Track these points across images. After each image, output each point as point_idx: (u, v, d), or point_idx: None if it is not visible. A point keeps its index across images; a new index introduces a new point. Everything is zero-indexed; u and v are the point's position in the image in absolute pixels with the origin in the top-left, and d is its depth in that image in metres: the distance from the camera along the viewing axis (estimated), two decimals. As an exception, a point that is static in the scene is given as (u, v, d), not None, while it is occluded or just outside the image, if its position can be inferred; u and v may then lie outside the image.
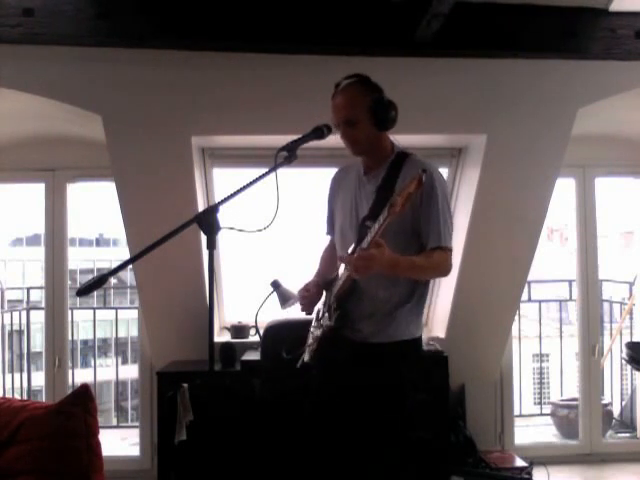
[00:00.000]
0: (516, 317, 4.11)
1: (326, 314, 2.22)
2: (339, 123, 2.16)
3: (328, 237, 2.47)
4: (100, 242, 19.77)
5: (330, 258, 2.41)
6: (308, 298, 2.30)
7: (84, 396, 2.16)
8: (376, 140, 2.20)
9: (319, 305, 2.30)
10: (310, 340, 2.28)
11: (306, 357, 2.27)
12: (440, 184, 2.14)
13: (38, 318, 4.34)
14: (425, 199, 2.09)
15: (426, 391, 3.37)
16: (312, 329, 2.29)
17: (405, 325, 2.17)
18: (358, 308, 2.17)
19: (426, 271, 2.14)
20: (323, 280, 2.32)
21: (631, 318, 4.82)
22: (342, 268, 2.16)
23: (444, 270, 2.16)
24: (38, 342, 5.48)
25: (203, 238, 1.76)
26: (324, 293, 2.29)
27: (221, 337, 3.84)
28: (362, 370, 2.15)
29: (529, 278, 3.99)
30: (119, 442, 4.50)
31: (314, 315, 2.32)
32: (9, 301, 5.70)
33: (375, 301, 2.16)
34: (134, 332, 5.33)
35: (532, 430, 4.62)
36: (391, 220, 1.86)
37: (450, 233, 2.14)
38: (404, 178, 2.09)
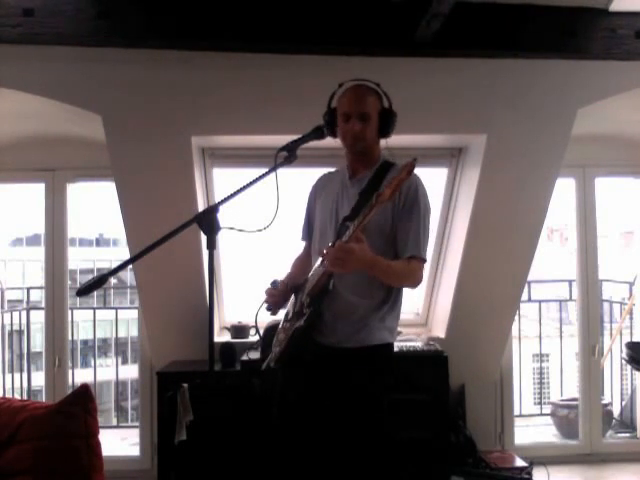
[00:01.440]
0: (516, 317, 4.10)
1: (296, 315, 2.20)
2: (352, 114, 2.16)
3: (304, 243, 2.47)
4: (100, 242, 19.78)
5: (301, 265, 2.42)
6: (275, 297, 2.27)
7: (84, 396, 2.16)
8: (374, 144, 2.23)
9: (287, 307, 2.29)
10: (276, 341, 2.27)
11: (272, 359, 2.25)
12: (424, 197, 2.17)
13: (38, 318, 4.34)
14: (407, 208, 2.12)
15: (426, 391, 3.38)
16: (279, 331, 2.28)
17: (377, 330, 2.16)
18: (330, 310, 2.15)
19: (399, 277, 2.13)
20: (292, 284, 2.30)
21: (631, 318, 4.81)
22: (315, 266, 2.15)
23: (417, 280, 2.17)
24: (38, 342, 5.48)
25: (203, 238, 1.76)
26: (292, 296, 2.28)
27: (221, 337, 3.84)
28: (332, 374, 2.14)
29: (529, 278, 3.99)
30: (119, 442, 4.50)
31: (282, 317, 2.31)
32: (9, 301, 5.69)
33: (348, 304, 2.14)
34: (134, 332, 5.32)
35: (532, 430, 4.62)
36: (378, 209, 1.87)
37: (426, 246, 2.17)
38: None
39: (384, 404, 2.17)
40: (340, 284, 2.13)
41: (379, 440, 2.15)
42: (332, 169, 2.47)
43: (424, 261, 2.16)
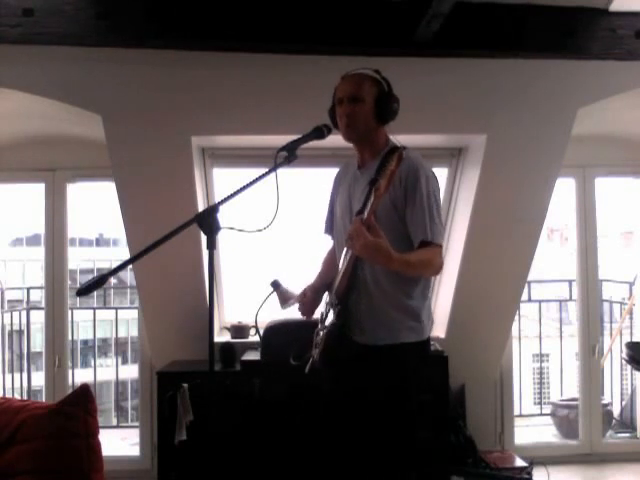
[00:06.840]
0: (516, 317, 4.11)
1: (327, 315, 2.21)
2: (344, 98, 2.17)
3: (327, 237, 2.46)
4: (100, 242, 19.80)
5: (331, 261, 2.40)
6: (306, 304, 2.30)
7: (84, 396, 2.16)
8: (373, 131, 2.20)
9: (322, 308, 2.29)
10: (315, 343, 2.27)
11: (314, 361, 2.25)
12: (425, 178, 2.11)
13: (38, 318, 4.34)
14: (410, 193, 2.08)
15: (426, 391, 3.38)
16: (317, 332, 2.28)
17: (409, 327, 2.15)
18: (359, 307, 2.15)
19: (417, 269, 2.08)
20: (322, 283, 2.31)
21: (631, 318, 4.82)
22: (340, 264, 2.15)
23: (436, 268, 2.11)
24: (38, 342, 5.48)
25: (203, 238, 1.75)
26: (325, 295, 2.28)
27: (221, 337, 3.84)
28: (366, 372, 2.14)
29: (529, 278, 3.99)
30: (119, 442, 4.50)
31: (319, 318, 2.31)
32: (9, 301, 5.69)
33: (374, 301, 2.14)
34: (134, 332, 5.33)
35: (532, 430, 4.62)
36: (377, 203, 1.87)
37: (438, 229, 2.10)
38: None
39: (413, 406, 2.16)
40: (365, 280, 2.12)
41: (407, 439, 2.15)
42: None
43: (437, 245, 2.10)
